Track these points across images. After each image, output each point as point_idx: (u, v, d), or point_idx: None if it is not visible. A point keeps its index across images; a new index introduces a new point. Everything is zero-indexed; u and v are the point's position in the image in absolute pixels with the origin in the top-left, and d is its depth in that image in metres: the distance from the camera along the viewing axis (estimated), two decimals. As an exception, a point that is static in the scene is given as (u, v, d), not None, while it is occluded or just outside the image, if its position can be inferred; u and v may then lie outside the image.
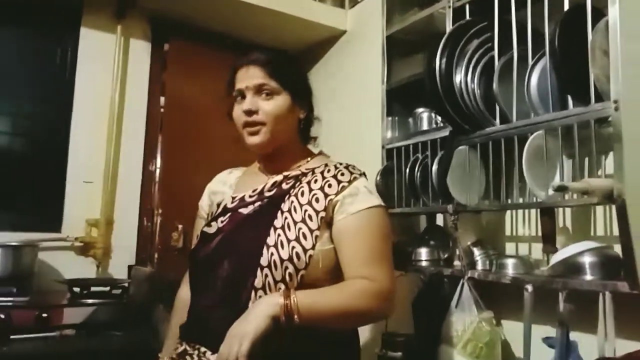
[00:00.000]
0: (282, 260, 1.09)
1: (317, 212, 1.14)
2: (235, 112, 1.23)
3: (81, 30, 2.26)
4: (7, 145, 2.17)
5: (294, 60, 1.34)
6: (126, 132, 2.33)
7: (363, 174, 1.24)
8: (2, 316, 1.59)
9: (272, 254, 1.10)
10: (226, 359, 0.98)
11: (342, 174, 1.20)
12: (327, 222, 1.15)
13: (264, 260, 1.10)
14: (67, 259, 2.14)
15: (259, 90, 1.20)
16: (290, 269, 1.09)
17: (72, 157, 2.21)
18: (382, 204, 1.19)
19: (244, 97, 1.21)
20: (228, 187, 1.33)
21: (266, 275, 1.09)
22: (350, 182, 1.18)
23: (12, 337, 1.58)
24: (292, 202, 1.17)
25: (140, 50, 2.40)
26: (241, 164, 1.42)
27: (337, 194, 1.15)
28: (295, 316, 1.02)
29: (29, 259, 1.93)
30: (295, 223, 1.14)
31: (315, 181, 1.19)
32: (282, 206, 1.17)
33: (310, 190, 1.18)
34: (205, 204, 1.35)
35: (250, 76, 1.20)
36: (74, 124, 2.23)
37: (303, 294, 1.05)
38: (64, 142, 2.20)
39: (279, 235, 1.12)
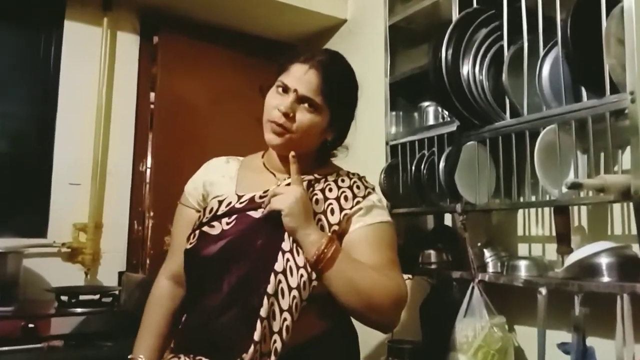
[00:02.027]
0: (298, 267, 1.13)
1: (330, 225, 1.20)
2: (269, 101, 1.23)
3: (65, 23, 2.28)
4: (-12, 146, 2.18)
5: (352, 80, 1.31)
6: (114, 131, 2.34)
7: (373, 188, 1.32)
8: (-14, 327, 1.61)
9: (287, 259, 1.14)
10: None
11: (358, 187, 1.27)
12: (339, 234, 1.20)
13: (278, 266, 1.13)
14: (54, 265, 2.16)
15: (304, 100, 1.20)
16: (305, 276, 1.13)
17: (57, 157, 2.22)
18: (391, 220, 1.29)
19: (286, 92, 1.21)
20: (228, 179, 1.31)
21: (279, 282, 1.12)
22: (364, 197, 1.25)
23: (-3, 349, 1.59)
24: None
25: (128, 44, 2.42)
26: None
27: (351, 208, 1.22)
28: (321, 265, 1.10)
29: (14, 267, 1.94)
30: None
31: (330, 190, 1.25)
32: None
33: (326, 199, 1.23)
34: (197, 193, 1.33)
35: (304, 81, 1.20)
36: (59, 123, 2.24)
37: (345, 254, 1.13)
38: (48, 141, 2.22)
39: (294, 241, 1.15)
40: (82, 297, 1.91)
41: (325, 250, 1.10)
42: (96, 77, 2.29)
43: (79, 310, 1.82)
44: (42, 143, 2.22)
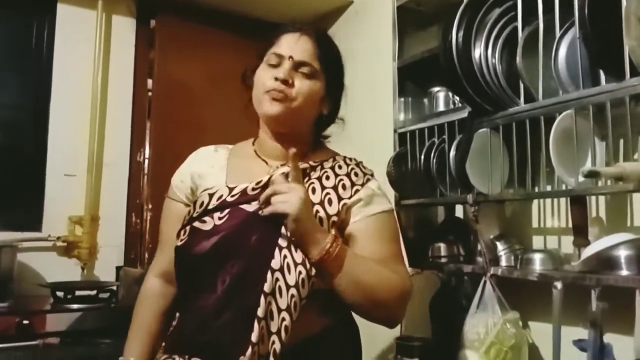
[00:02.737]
0: (296, 264, 1.12)
1: (328, 216, 1.19)
2: (262, 75, 1.24)
3: (58, 7, 2.28)
4: (-20, 137, 2.20)
5: (338, 51, 1.34)
6: (111, 119, 2.36)
7: (372, 174, 1.31)
8: (-20, 324, 1.64)
9: (285, 256, 1.12)
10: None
11: (356, 174, 1.26)
12: (338, 225, 1.20)
13: (275, 263, 1.11)
14: (50, 260, 2.18)
15: (301, 66, 1.22)
16: (304, 273, 1.12)
17: (52, 148, 2.24)
18: (393, 207, 1.30)
19: (279, 64, 1.22)
20: (218, 170, 1.29)
21: (277, 280, 1.11)
22: (363, 184, 1.25)
23: (-10, 346, 1.62)
24: None
25: (124, 28, 2.42)
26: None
27: (350, 198, 1.22)
28: (325, 264, 1.10)
29: (8, 261, 1.96)
30: None
31: (327, 178, 1.24)
32: None
33: (323, 188, 1.22)
34: (185, 186, 1.31)
35: (299, 47, 1.22)
36: (53, 112, 2.25)
37: (349, 251, 1.14)
38: (42, 131, 2.24)
39: (295, 240, 1.14)
40: (78, 293, 1.93)
41: (330, 250, 1.10)
42: (91, 63, 2.30)
43: (75, 306, 1.84)
44: (36, 133, 2.24)
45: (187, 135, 2.39)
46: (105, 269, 2.28)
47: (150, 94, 2.44)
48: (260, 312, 1.08)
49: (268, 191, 1.11)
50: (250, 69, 1.29)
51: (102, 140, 2.33)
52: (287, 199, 1.09)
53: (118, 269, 2.27)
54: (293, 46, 1.22)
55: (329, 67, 1.26)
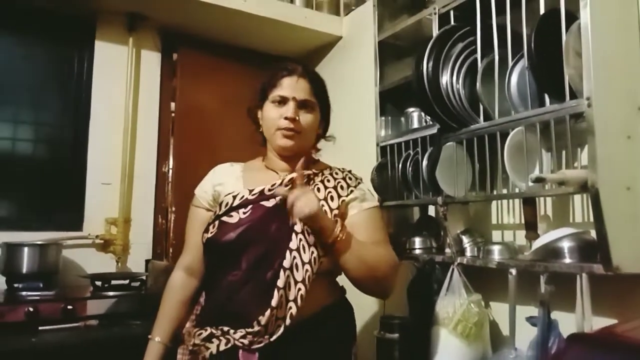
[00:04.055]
0: (309, 245, 1.18)
1: (331, 210, 1.25)
2: (272, 114, 1.29)
3: (96, 43, 2.30)
4: (31, 152, 2.20)
5: (324, 82, 1.39)
6: (140, 137, 2.36)
7: (361, 179, 1.39)
8: (31, 309, 1.63)
9: (300, 239, 1.19)
10: (291, 199, 1.12)
11: (350, 179, 1.34)
12: (339, 218, 1.24)
13: (293, 244, 1.18)
14: (89, 255, 2.18)
15: (302, 103, 1.28)
16: (315, 253, 1.18)
17: (90, 161, 2.24)
18: (379, 204, 1.39)
19: (284, 103, 1.27)
20: (234, 179, 1.33)
21: (294, 257, 1.17)
22: (356, 186, 1.33)
23: (40, 328, 1.62)
24: None
25: (151, 60, 2.43)
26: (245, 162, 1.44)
27: (347, 196, 1.29)
28: (337, 246, 1.16)
29: (54, 256, 1.98)
30: None
31: (328, 180, 1.31)
32: None
33: (326, 187, 1.29)
34: (207, 195, 1.34)
35: (299, 89, 1.28)
36: (91, 131, 2.26)
37: (353, 237, 1.19)
38: (82, 147, 2.24)
39: (304, 223, 1.19)
40: (113, 282, 1.93)
41: (340, 235, 1.16)
42: (123, 89, 2.31)
43: (111, 293, 1.85)
44: (77, 148, 2.24)
45: (204, 150, 2.41)
46: (136, 262, 2.28)
47: (173, 115, 2.45)
48: (280, 283, 1.14)
49: (290, 200, 1.13)
50: (253, 105, 1.34)
51: (133, 155, 2.34)
52: (307, 201, 1.13)
53: (147, 262, 2.27)
54: (294, 88, 1.27)
55: (321, 97, 1.32)
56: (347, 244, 1.17)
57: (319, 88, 1.32)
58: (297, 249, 1.18)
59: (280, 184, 1.26)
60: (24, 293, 1.78)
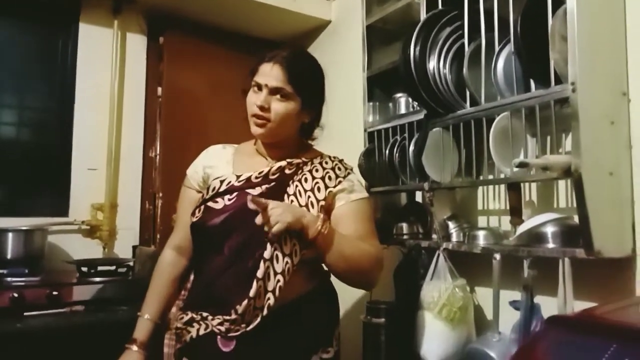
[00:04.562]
0: (290, 237, 1.17)
1: (317, 201, 1.24)
2: (249, 100, 1.27)
3: (80, 26, 2.26)
4: (15, 136, 2.18)
5: (316, 69, 1.34)
6: (126, 121, 2.34)
7: (352, 169, 1.37)
8: (16, 295, 1.62)
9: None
10: (267, 214, 1.11)
11: (339, 169, 1.32)
12: (325, 209, 1.25)
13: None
14: (75, 241, 2.17)
15: (275, 91, 1.23)
16: (297, 245, 1.18)
17: (76, 146, 2.22)
18: (368, 195, 1.35)
19: (260, 89, 1.25)
20: (225, 163, 1.33)
21: (275, 249, 1.16)
22: (345, 177, 1.31)
23: (25, 314, 1.61)
24: (297, 186, 1.25)
25: (137, 44, 2.40)
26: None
27: (335, 187, 1.28)
28: (320, 242, 1.16)
29: (39, 242, 1.96)
30: (300, 206, 1.23)
31: (316, 170, 1.29)
32: (287, 190, 1.26)
33: (313, 178, 1.28)
34: (198, 176, 1.34)
35: (272, 75, 1.23)
36: (76, 115, 2.23)
37: (336, 231, 1.19)
38: (68, 132, 2.21)
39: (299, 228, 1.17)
40: (100, 268, 1.92)
41: (322, 230, 1.16)
42: (109, 73, 2.28)
43: (97, 279, 1.84)
44: (62, 133, 2.21)
45: (191, 134, 2.39)
46: (123, 248, 2.27)
47: (160, 99, 2.42)
48: (259, 273, 1.14)
49: (263, 219, 1.12)
50: (247, 88, 1.30)
51: (119, 139, 2.31)
52: (279, 214, 1.12)
53: (134, 247, 2.26)
54: (268, 75, 1.23)
55: (302, 86, 1.25)
56: (329, 240, 1.16)
57: (298, 76, 1.24)
58: (279, 240, 1.17)
59: (268, 173, 1.26)
60: (9, 279, 1.76)
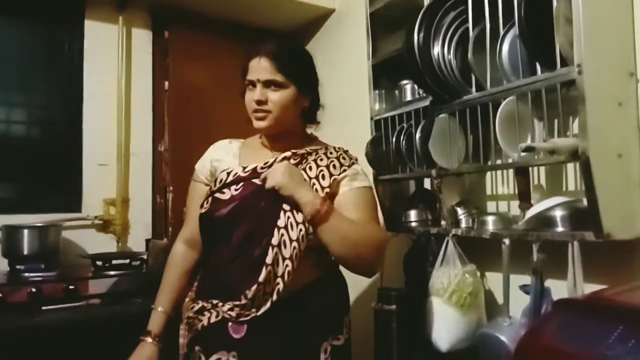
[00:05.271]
0: (297, 223, 1.20)
1: (322, 188, 1.26)
2: (247, 98, 1.29)
3: (85, 22, 2.28)
4: (26, 135, 2.21)
5: (302, 53, 1.37)
6: (135, 116, 2.36)
7: (357, 159, 1.38)
8: (34, 290, 1.67)
9: (288, 217, 1.20)
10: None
11: (344, 158, 1.34)
12: (330, 196, 1.26)
13: (281, 222, 1.20)
14: (89, 236, 2.21)
15: (268, 83, 1.26)
16: (303, 230, 1.20)
17: (86, 142, 2.25)
18: (372, 185, 1.37)
19: (254, 85, 1.27)
20: (232, 156, 1.36)
21: (282, 235, 1.19)
22: (349, 166, 1.33)
23: (43, 308, 1.65)
24: (302, 175, 1.26)
25: (142, 39, 2.42)
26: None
27: (339, 174, 1.29)
28: (317, 220, 1.18)
29: (54, 238, 2.00)
30: None
31: (321, 159, 1.31)
32: None
33: (318, 166, 1.29)
34: (206, 169, 1.38)
35: (261, 69, 1.25)
36: (85, 111, 2.26)
37: (336, 212, 1.21)
38: (77, 129, 2.24)
39: (294, 201, 1.20)
40: (114, 262, 1.96)
41: (320, 208, 1.17)
42: (115, 69, 2.30)
43: (112, 272, 1.88)
44: (72, 130, 2.24)
45: (199, 128, 2.39)
46: (136, 242, 2.31)
47: (167, 94, 2.44)
48: (268, 259, 1.17)
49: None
50: (241, 90, 1.33)
51: (129, 134, 2.34)
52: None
53: (147, 241, 2.29)
54: (257, 70, 1.26)
55: (292, 72, 1.27)
56: (327, 218, 1.18)
57: (286, 63, 1.26)
58: (285, 227, 1.20)
59: (272, 163, 1.27)
60: (26, 274, 1.81)
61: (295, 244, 1.19)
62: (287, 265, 1.18)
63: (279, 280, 1.18)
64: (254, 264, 1.17)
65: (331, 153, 1.34)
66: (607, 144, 1.20)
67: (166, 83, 2.44)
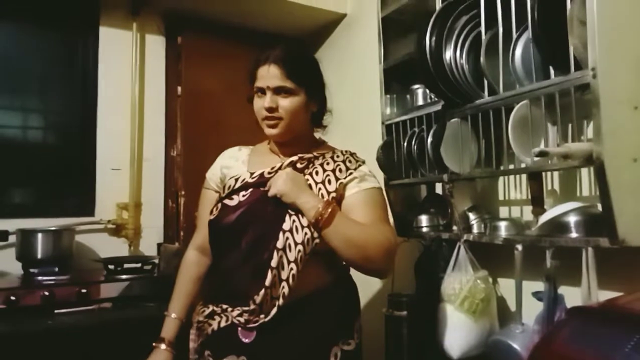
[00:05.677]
0: (302, 227, 1.19)
1: (328, 193, 1.25)
2: (256, 105, 1.29)
3: (100, 29, 2.31)
4: (41, 140, 2.25)
5: (310, 58, 1.37)
6: (148, 121, 2.39)
7: (364, 162, 1.36)
8: (47, 293, 1.68)
9: (293, 220, 1.20)
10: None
11: (350, 162, 1.32)
12: (337, 200, 1.25)
13: (286, 226, 1.20)
14: (102, 240, 2.23)
15: (278, 90, 1.26)
16: (309, 234, 1.19)
17: (100, 147, 2.28)
18: (381, 186, 1.33)
19: (264, 93, 1.27)
20: (241, 163, 1.37)
21: (287, 238, 1.19)
22: (356, 169, 1.31)
23: (56, 311, 1.67)
24: (308, 180, 1.26)
25: (156, 45, 2.44)
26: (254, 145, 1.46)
27: (345, 178, 1.28)
28: (321, 224, 1.17)
29: (68, 242, 2.02)
30: None
31: (327, 164, 1.30)
32: None
33: (324, 171, 1.29)
34: (216, 177, 1.39)
35: (270, 76, 1.25)
36: (99, 117, 2.28)
37: (341, 215, 1.19)
38: (91, 134, 2.27)
39: (297, 209, 1.20)
40: (126, 266, 1.97)
41: (323, 212, 1.16)
42: (129, 74, 2.33)
43: (124, 276, 1.89)
44: (86, 135, 2.27)
45: (211, 133, 2.41)
46: (148, 246, 2.32)
47: (179, 99, 2.45)
48: (273, 263, 1.17)
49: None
50: (249, 96, 1.33)
51: (142, 139, 2.36)
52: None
53: (159, 245, 2.31)
54: (266, 77, 1.25)
55: (302, 78, 1.27)
56: (331, 221, 1.16)
57: (295, 70, 1.26)
58: (290, 230, 1.19)
59: (279, 168, 1.28)
60: (39, 278, 1.82)
61: (300, 247, 1.18)
62: (291, 269, 1.18)
63: (284, 283, 1.17)
64: (262, 269, 1.17)
65: (338, 157, 1.33)
66: (622, 149, 1.18)
67: (179, 88, 2.46)
